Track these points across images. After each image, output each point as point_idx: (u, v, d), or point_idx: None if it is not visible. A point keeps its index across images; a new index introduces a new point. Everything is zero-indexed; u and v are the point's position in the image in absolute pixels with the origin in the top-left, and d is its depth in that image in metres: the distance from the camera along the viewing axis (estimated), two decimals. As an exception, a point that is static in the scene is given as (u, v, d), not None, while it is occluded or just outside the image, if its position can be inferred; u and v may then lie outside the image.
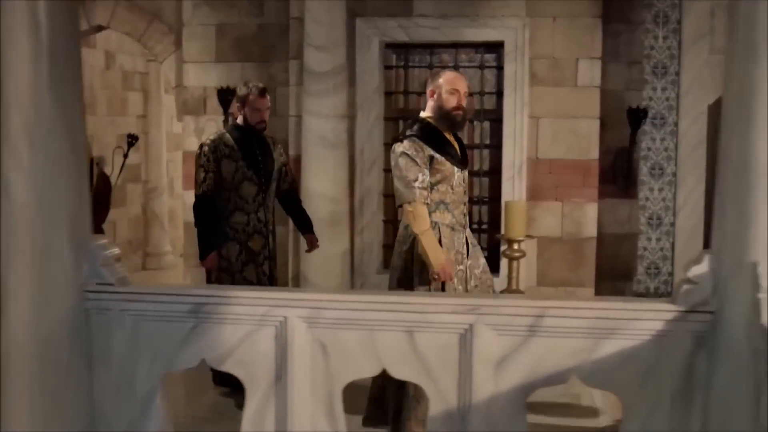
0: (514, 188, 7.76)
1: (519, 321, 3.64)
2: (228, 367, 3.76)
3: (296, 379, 3.72)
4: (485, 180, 8.27)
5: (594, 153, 7.62)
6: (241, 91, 6.36)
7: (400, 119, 8.33)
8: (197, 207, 6.28)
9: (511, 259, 7.50)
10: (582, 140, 7.67)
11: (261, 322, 3.71)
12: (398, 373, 3.80)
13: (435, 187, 5.32)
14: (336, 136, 7.69)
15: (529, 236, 7.67)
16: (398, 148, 5.33)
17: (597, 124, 7.73)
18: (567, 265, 7.71)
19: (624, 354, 3.49)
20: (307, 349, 3.75)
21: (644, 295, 8.73)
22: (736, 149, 3.25)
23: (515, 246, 7.47)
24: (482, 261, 5.65)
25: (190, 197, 8.77)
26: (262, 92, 6.32)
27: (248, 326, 3.71)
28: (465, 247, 5.50)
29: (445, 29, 7.95)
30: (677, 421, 3.48)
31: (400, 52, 8.34)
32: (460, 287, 5.42)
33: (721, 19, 8.63)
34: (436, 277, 5.22)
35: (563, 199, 7.72)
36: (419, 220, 5.24)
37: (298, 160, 7.92)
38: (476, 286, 5.55)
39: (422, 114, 5.46)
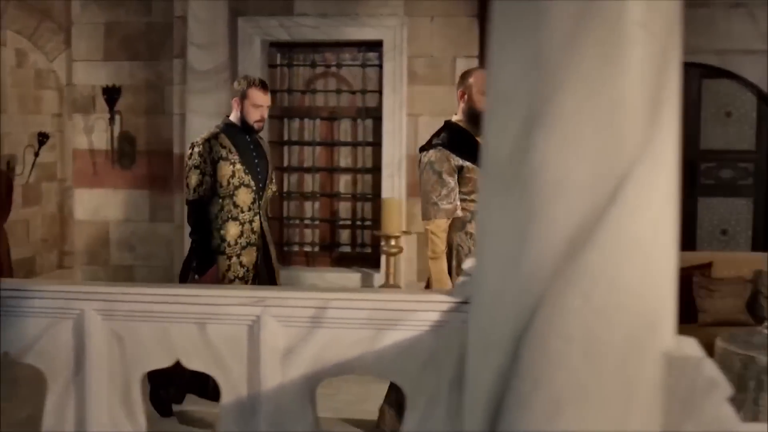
0: (394, 185, 7.85)
1: (303, 312, 3.71)
2: (30, 360, 3.81)
3: (94, 371, 3.78)
4: (368, 177, 8.36)
5: (472, 150, 7.71)
6: (240, 84, 5.67)
7: (284, 117, 8.41)
8: (194, 214, 5.61)
9: (388, 255, 7.61)
10: (460, 137, 7.76)
11: (60, 315, 3.76)
12: (192, 364, 3.87)
13: (469, 197, 4.96)
14: (218, 134, 7.76)
15: (405, 232, 7.78)
16: (424, 158, 5.00)
17: (474, 121, 7.82)
18: (447, 260, 7.79)
19: (404, 344, 3.59)
20: (103, 341, 3.81)
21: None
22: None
23: (392, 242, 7.58)
24: None
25: (82, 195, 8.86)
26: (264, 86, 5.66)
27: (48, 319, 3.76)
28: None
29: (326, 28, 8.03)
30: (455, 408, 3.58)
31: (285, 50, 8.41)
32: None
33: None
34: None
35: (442, 195, 7.81)
36: (433, 242, 4.95)
37: (181, 158, 7.96)
38: None
39: (453, 118, 5.13)
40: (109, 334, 3.80)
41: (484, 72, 4.97)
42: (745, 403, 5.45)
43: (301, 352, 3.73)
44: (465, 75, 5.12)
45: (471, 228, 5.00)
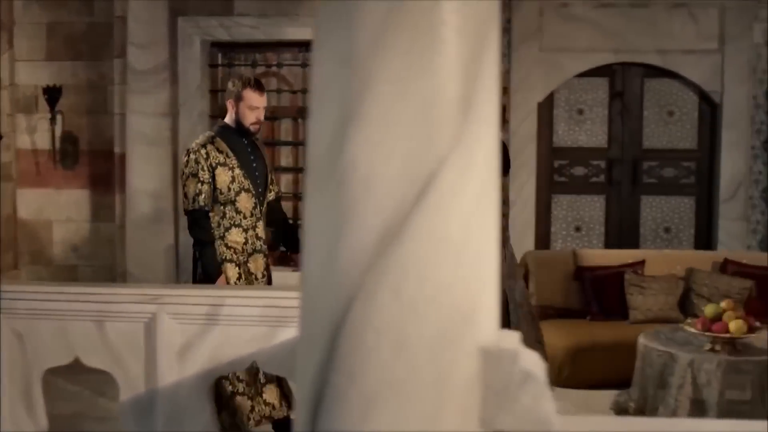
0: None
1: (198, 310, 3.75)
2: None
3: (-7, 369, 3.80)
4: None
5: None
6: (234, 85, 5.44)
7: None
8: (195, 225, 5.38)
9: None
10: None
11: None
12: (90, 361, 3.89)
13: None
14: (158, 134, 7.80)
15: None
16: None
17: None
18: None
19: (296, 341, 3.62)
20: (4, 339, 3.83)
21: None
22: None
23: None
24: (515, 286, 5.48)
25: (26, 195, 8.86)
26: (259, 87, 5.43)
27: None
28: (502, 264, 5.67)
29: (266, 28, 8.06)
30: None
31: (225, 50, 8.43)
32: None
33: (549, 18, 8.83)
34: None
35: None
36: None
37: (123, 158, 7.98)
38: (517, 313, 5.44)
39: None
40: (10, 333, 3.82)
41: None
42: (665, 399, 5.50)
43: (197, 348, 3.76)
44: None
45: None
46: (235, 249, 5.39)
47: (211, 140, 5.41)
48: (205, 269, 5.33)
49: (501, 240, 4.81)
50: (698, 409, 5.36)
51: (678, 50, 8.80)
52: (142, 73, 7.73)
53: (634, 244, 8.94)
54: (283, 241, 5.98)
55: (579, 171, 9.08)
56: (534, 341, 5.74)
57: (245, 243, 5.40)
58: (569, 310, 7.36)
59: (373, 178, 1.89)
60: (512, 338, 2.04)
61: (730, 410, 5.33)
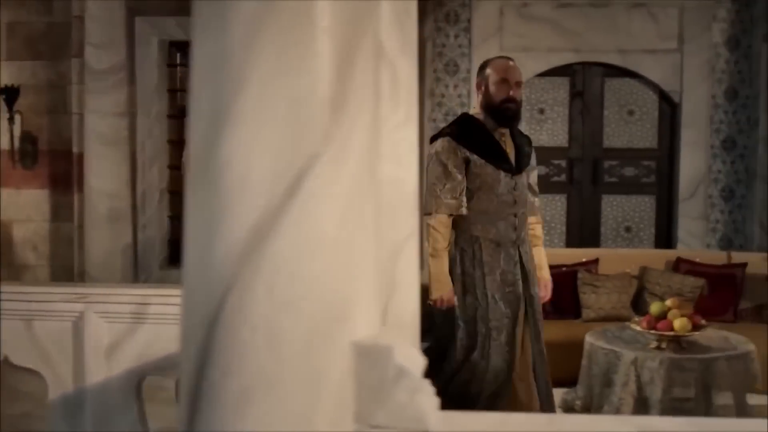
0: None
1: (125, 309, 3.76)
2: None
3: None
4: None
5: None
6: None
7: (184, 117, 8.42)
8: None
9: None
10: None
11: None
12: (18, 360, 3.90)
13: (475, 195, 4.79)
14: (116, 133, 7.80)
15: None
16: (431, 149, 4.83)
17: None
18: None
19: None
20: (-66, 339, 3.83)
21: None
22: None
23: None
24: (535, 290, 5.00)
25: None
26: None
27: None
28: (518, 266, 4.88)
29: (223, 27, 8.05)
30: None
31: (184, 50, 8.43)
32: (509, 311, 4.83)
33: (509, 18, 8.86)
34: (431, 303, 4.78)
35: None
36: (433, 238, 4.73)
37: (81, 157, 7.98)
38: (535, 325, 4.97)
39: (471, 111, 5.04)
40: (-60, 332, 3.82)
41: (503, 61, 4.92)
42: (610, 397, 5.53)
43: (125, 347, 3.77)
44: (483, 65, 4.95)
45: (477, 230, 4.79)
46: None
47: None
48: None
49: (516, 242, 4.87)
50: (642, 406, 5.40)
51: (638, 50, 8.86)
52: (99, 72, 7.73)
53: (595, 242, 8.99)
54: None
55: (540, 170, 9.08)
56: None
57: None
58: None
59: (246, 175, 1.91)
60: (388, 335, 2.07)
61: (673, 408, 5.37)
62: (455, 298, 4.81)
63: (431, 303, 4.77)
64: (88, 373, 3.83)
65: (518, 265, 4.86)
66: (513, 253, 4.83)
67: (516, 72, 4.85)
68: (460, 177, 4.70)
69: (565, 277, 7.03)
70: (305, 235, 1.91)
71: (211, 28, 1.96)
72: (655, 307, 5.64)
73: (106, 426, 3.81)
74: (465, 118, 4.94)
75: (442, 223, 4.71)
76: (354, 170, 1.97)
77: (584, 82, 9.09)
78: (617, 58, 8.89)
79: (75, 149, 8.13)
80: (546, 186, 9.08)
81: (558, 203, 9.13)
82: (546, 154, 9.02)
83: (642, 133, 9.10)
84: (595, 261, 7.24)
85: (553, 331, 6.80)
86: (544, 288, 5.10)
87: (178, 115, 8.37)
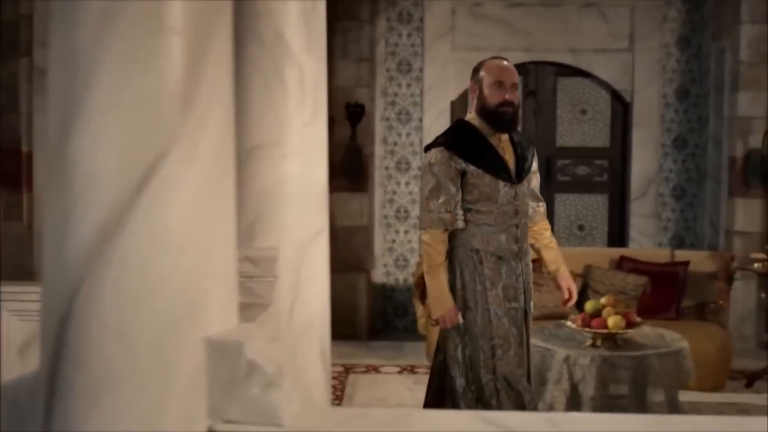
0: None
1: (38, 306, 3.76)
2: None
3: None
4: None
5: (318, 148, 7.79)
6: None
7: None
8: None
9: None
10: (306, 135, 7.84)
11: None
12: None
13: (474, 207, 4.49)
14: (65, 133, 7.79)
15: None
16: (425, 159, 4.57)
17: (320, 119, 7.91)
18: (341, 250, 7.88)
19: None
20: None
21: (393, 286, 8.97)
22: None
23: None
24: (530, 306, 4.80)
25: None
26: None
27: None
28: (520, 280, 4.64)
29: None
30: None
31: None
32: (514, 330, 4.60)
33: (461, 17, 8.90)
34: (433, 324, 4.66)
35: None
36: (428, 254, 4.47)
37: (30, 156, 7.96)
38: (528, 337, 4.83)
39: (467, 116, 4.64)
40: None
41: (497, 62, 4.59)
42: (544, 394, 5.57)
43: (38, 345, 3.77)
44: (477, 67, 4.61)
45: (477, 243, 4.49)
46: None
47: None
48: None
49: (519, 254, 4.62)
50: (575, 404, 5.42)
51: (589, 49, 8.91)
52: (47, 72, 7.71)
53: (548, 241, 9.03)
54: None
55: (493, 169, 9.14)
56: None
57: None
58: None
59: (95, 172, 1.93)
60: (243, 331, 2.09)
61: (605, 405, 5.40)
62: (459, 315, 4.51)
63: (434, 323, 4.60)
64: (3, 372, 3.84)
65: (520, 279, 4.62)
66: (515, 266, 4.57)
67: (511, 73, 4.52)
68: (454, 189, 4.40)
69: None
70: (153, 232, 1.93)
71: (62, 27, 1.98)
72: (589, 305, 5.67)
73: (19, 426, 3.82)
74: (460, 125, 4.59)
75: (436, 238, 4.43)
76: (205, 168, 1.99)
77: (537, 81, 9.13)
78: (569, 57, 8.94)
79: (24, 148, 8.11)
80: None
81: (511, 202, 9.16)
82: (499, 153, 9.05)
83: (594, 132, 9.15)
84: (535, 260, 7.27)
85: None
86: (566, 289, 4.88)
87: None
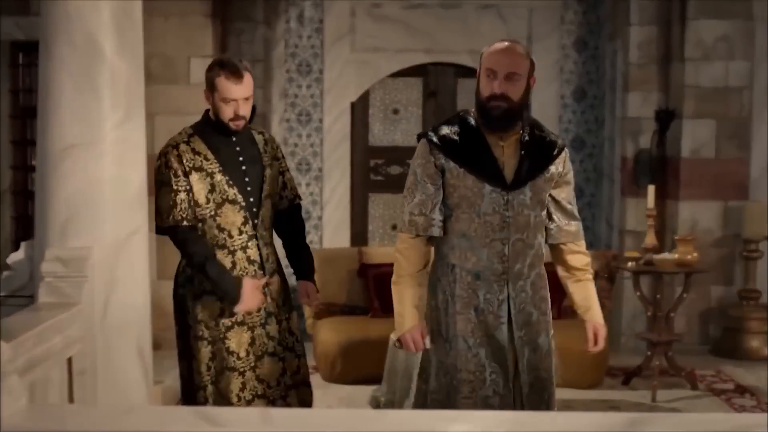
0: (131, 184, 7.88)
1: None
2: None
3: None
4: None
5: (209, 149, 7.78)
6: (210, 70, 4.24)
7: (27, 117, 8.38)
8: (185, 244, 4.21)
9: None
10: (197, 136, 7.84)
11: None
12: None
13: (454, 213, 3.80)
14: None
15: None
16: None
17: (211, 120, 7.90)
18: (187, 258, 7.86)
19: None
20: None
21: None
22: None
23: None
24: (543, 340, 3.90)
25: None
26: (236, 72, 4.17)
27: None
28: (503, 308, 3.82)
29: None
30: None
31: (26, 50, 8.36)
32: (494, 366, 3.83)
33: (361, 18, 8.93)
34: (397, 345, 4.01)
35: (180, 194, 7.88)
36: (395, 261, 3.90)
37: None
38: (530, 386, 3.87)
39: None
40: None
41: (494, 46, 3.78)
42: (409, 392, 5.60)
43: None
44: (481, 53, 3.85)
45: (454, 256, 3.82)
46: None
47: (188, 138, 4.26)
48: (220, 287, 4.18)
49: (505, 276, 3.79)
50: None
51: (488, 50, 8.95)
52: (-62, 72, 7.67)
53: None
54: (290, 261, 4.63)
55: (395, 170, 9.18)
56: None
57: (232, 268, 4.23)
58: (353, 306, 7.48)
59: None
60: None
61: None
62: (427, 340, 3.89)
63: (397, 344, 3.99)
64: None
65: (505, 306, 3.81)
66: (497, 289, 3.79)
67: (507, 60, 3.70)
68: (432, 189, 3.75)
69: (376, 277, 7.17)
70: None
71: None
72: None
73: None
74: (459, 117, 3.88)
75: (408, 244, 3.82)
76: None
77: (437, 82, 9.17)
78: (468, 58, 8.98)
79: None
80: (400, 186, 9.02)
81: (413, 202, 9.20)
82: (401, 154, 9.10)
83: (495, 133, 9.20)
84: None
85: (377, 328, 6.90)
86: (592, 334, 3.94)
87: (20, 115, 8.31)
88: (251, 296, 4.19)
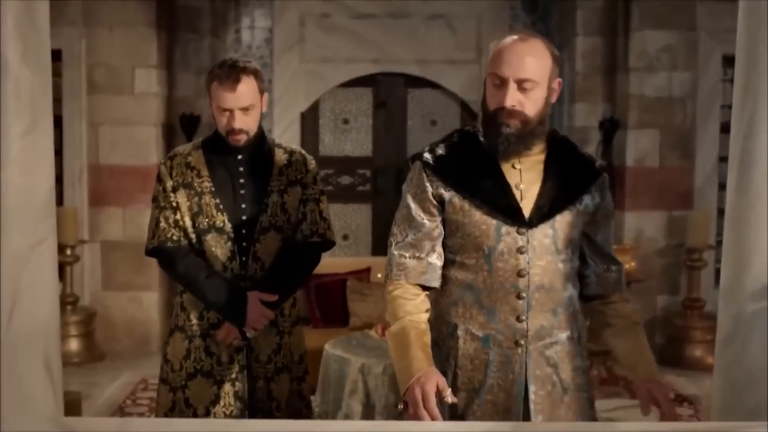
0: (75, 195, 7.85)
1: None
2: None
3: None
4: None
5: (154, 159, 7.78)
6: (208, 74, 3.59)
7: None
8: (171, 266, 3.61)
9: (64, 265, 7.60)
10: (141, 146, 7.82)
11: None
12: None
13: (457, 257, 2.87)
14: None
15: (82, 241, 7.79)
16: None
17: (156, 130, 7.89)
18: (132, 269, 7.84)
19: None
20: None
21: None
22: None
23: (68, 252, 7.58)
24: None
25: None
26: (228, 77, 3.47)
27: None
28: (520, 384, 2.84)
29: (5, 37, 7.98)
30: None
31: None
32: None
33: (310, 29, 8.93)
34: (401, 407, 2.62)
35: (125, 204, 7.86)
36: (389, 306, 2.81)
37: None
38: None
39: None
40: None
41: (502, 43, 2.80)
42: (340, 403, 5.60)
43: None
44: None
45: (455, 314, 2.86)
46: (189, 316, 3.65)
47: (189, 150, 3.69)
48: (221, 309, 3.55)
49: (524, 342, 2.76)
50: (369, 413, 5.47)
51: (437, 60, 9.00)
52: None
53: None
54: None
55: (345, 180, 9.20)
56: None
57: (206, 319, 3.64)
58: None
59: None
60: None
61: (398, 414, 5.43)
62: (448, 392, 2.61)
63: (400, 407, 2.65)
64: None
65: (521, 382, 2.83)
66: (515, 359, 2.82)
67: (520, 60, 2.73)
68: (429, 225, 2.85)
69: (335, 286, 7.12)
70: None
71: None
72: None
73: None
74: (463, 132, 2.97)
75: (398, 286, 2.83)
76: None
77: (387, 92, 9.19)
78: (417, 68, 9.01)
79: None
80: (351, 195, 9.18)
81: (364, 212, 9.22)
82: (351, 164, 9.13)
83: (445, 143, 9.22)
84: (367, 270, 7.33)
85: (316, 338, 6.88)
86: (647, 394, 2.85)
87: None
88: (258, 312, 3.51)
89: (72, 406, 5.72)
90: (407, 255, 2.85)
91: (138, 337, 7.95)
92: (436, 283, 2.87)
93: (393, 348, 2.76)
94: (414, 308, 2.79)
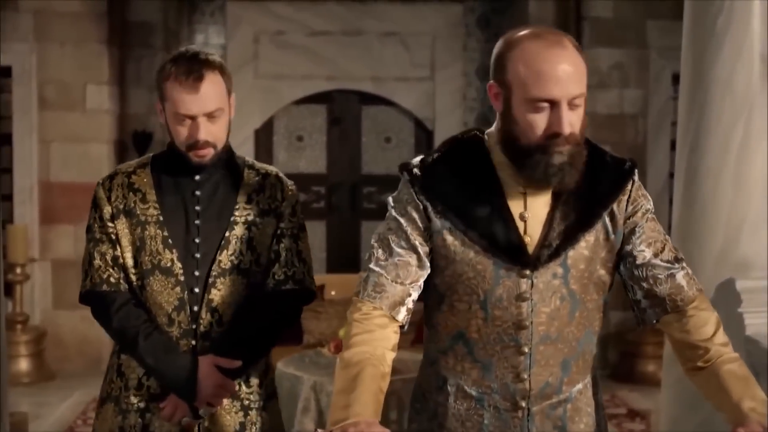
0: (26, 212, 7.77)
1: None
2: None
3: None
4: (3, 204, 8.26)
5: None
6: (160, 71, 2.79)
7: None
8: (105, 317, 2.75)
9: (14, 283, 7.51)
10: (93, 163, 7.75)
11: None
12: None
13: (446, 300, 2.29)
14: None
15: (32, 259, 7.71)
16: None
17: (108, 148, 7.84)
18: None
19: None
20: None
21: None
22: None
23: (18, 270, 7.49)
24: None
25: None
26: (190, 73, 2.69)
27: None
28: None
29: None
30: None
31: None
32: None
33: (265, 45, 8.93)
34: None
35: (76, 221, 7.78)
36: (348, 327, 2.26)
37: None
38: None
39: (488, 131, 2.32)
40: None
41: (542, 45, 2.12)
42: (293, 421, 5.57)
43: None
44: (502, 51, 2.19)
45: (446, 367, 2.33)
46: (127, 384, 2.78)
47: (134, 168, 2.84)
48: (165, 378, 2.70)
49: (526, 403, 2.25)
50: (322, 430, 5.43)
51: (391, 78, 9.04)
52: None
53: (355, 268, 9.05)
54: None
55: (299, 197, 9.16)
56: None
57: (145, 390, 2.77)
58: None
59: None
60: None
61: None
62: None
63: None
64: None
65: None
66: (515, 423, 2.30)
67: (568, 75, 2.10)
68: (408, 258, 2.25)
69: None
70: None
71: None
72: (343, 331, 5.68)
73: None
74: (464, 146, 2.32)
75: (365, 312, 2.22)
76: None
77: (342, 109, 9.20)
78: (371, 85, 9.04)
79: None
80: (306, 213, 9.10)
81: (318, 230, 9.21)
82: (305, 181, 9.09)
83: (399, 160, 9.19)
84: (321, 287, 7.30)
85: (272, 357, 6.84)
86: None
87: None
88: (213, 382, 2.68)
89: (19, 426, 5.65)
90: (389, 277, 2.22)
91: (90, 357, 7.85)
92: (405, 321, 2.23)
93: (339, 377, 2.15)
94: (376, 341, 2.19)
